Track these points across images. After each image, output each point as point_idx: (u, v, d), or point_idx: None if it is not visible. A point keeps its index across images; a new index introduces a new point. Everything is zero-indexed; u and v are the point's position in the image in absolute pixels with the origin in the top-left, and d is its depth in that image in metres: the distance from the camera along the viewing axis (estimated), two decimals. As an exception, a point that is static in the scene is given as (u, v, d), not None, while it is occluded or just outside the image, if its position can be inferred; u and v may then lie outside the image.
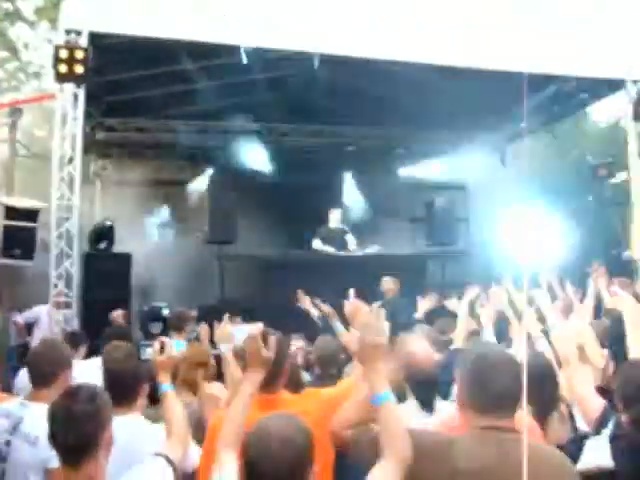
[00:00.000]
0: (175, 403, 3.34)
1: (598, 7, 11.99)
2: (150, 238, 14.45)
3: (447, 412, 3.85)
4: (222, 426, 2.89)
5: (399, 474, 2.41)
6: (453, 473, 2.39)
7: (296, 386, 4.00)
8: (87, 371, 5.60)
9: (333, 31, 10.60)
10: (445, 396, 4.20)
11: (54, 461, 3.38)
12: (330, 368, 5.17)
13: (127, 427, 3.42)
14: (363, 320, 2.67)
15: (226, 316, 5.37)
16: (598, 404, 3.65)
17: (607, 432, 3.45)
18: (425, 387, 3.94)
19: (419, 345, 2.93)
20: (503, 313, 5.90)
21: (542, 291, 4.87)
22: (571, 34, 11.68)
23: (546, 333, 6.18)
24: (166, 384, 3.38)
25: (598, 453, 3.38)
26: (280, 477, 2.31)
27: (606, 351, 5.33)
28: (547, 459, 2.51)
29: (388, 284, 10.73)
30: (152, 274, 13.40)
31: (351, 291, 3.67)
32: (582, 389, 3.74)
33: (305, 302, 7.80)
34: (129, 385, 3.68)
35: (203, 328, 6.13)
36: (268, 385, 3.38)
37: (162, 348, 3.43)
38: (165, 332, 8.55)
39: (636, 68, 12.43)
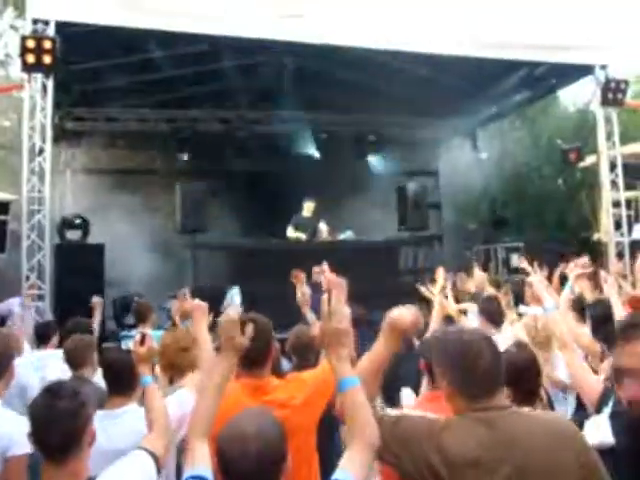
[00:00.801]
0: (156, 396, 3.33)
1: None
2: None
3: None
4: (193, 412, 2.85)
5: (368, 459, 2.43)
6: (447, 461, 2.38)
7: (275, 372, 4.02)
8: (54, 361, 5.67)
9: (302, 18, 10.57)
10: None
11: (13, 449, 3.41)
12: (306, 357, 5.17)
13: (133, 415, 3.48)
14: (324, 307, 2.65)
15: (185, 291, 5.33)
16: (598, 384, 3.71)
17: (608, 410, 3.51)
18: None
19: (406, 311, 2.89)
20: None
21: (537, 276, 4.91)
22: (540, 19, 11.75)
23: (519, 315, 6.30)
24: (147, 377, 3.37)
25: (599, 430, 3.43)
26: (255, 476, 2.33)
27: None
28: (548, 429, 2.52)
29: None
30: (125, 263, 13.32)
31: (325, 266, 3.65)
32: (580, 371, 3.79)
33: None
34: (128, 376, 3.72)
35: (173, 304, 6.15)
36: (255, 371, 3.44)
37: (143, 340, 3.41)
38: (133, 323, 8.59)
39: (604, 53, 12.55)
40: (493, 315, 5.83)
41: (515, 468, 2.36)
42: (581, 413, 3.89)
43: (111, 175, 15.33)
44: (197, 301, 3.89)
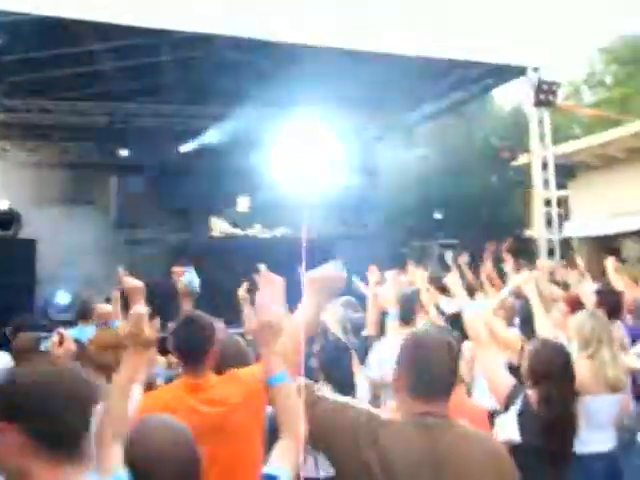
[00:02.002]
0: None
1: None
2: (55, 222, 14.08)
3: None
4: (101, 418, 2.81)
5: (297, 454, 2.44)
6: (383, 460, 2.40)
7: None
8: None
9: (238, 13, 10.54)
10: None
11: None
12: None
13: None
14: (259, 302, 2.67)
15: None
16: (507, 382, 3.80)
17: (515, 408, 3.61)
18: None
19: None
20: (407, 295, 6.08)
21: (452, 273, 5.01)
22: (476, 20, 11.96)
23: (443, 314, 6.42)
24: None
25: (507, 428, 3.53)
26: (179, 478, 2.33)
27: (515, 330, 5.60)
28: (480, 445, 2.55)
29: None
30: (59, 259, 13.11)
31: (262, 267, 3.66)
32: (492, 368, 3.88)
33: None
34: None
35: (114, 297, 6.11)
36: (193, 369, 3.45)
37: (61, 341, 3.34)
38: (70, 319, 8.45)
39: (537, 55, 12.83)
40: (407, 313, 5.89)
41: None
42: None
43: (45, 168, 15.07)
44: (133, 281, 3.87)
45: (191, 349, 3.39)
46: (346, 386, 4.00)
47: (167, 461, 2.32)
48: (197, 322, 3.47)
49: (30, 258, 12.10)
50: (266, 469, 2.38)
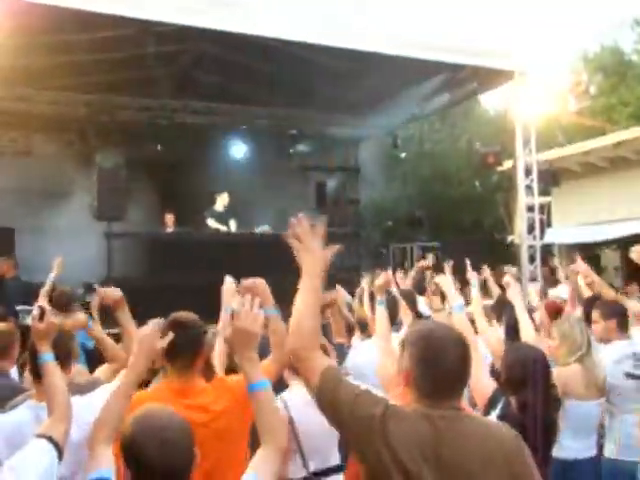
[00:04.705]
0: (56, 375, 3.12)
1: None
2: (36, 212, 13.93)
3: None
4: (99, 417, 2.77)
5: (278, 461, 2.44)
6: (392, 449, 2.35)
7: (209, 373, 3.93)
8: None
9: (225, 7, 10.43)
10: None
11: None
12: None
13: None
14: (236, 308, 2.63)
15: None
16: (488, 386, 3.77)
17: (496, 412, 3.58)
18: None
19: None
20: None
21: (446, 276, 4.96)
22: (465, 24, 11.95)
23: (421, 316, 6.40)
24: (46, 354, 3.15)
25: None
26: (174, 470, 2.30)
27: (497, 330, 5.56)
28: (495, 436, 2.51)
29: None
30: (38, 250, 12.95)
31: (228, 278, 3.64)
32: (474, 372, 3.84)
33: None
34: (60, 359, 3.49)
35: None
36: (182, 373, 3.37)
37: (42, 315, 3.25)
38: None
39: (525, 60, 12.82)
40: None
41: (449, 470, 2.35)
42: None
43: (26, 158, 14.89)
44: (114, 292, 3.86)
45: (178, 352, 3.29)
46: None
47: (166, 451, 2.29)
48: (185, 323, 3.38)
49: (9, 247, 11.97)
50: (245, 476, 2.36)
